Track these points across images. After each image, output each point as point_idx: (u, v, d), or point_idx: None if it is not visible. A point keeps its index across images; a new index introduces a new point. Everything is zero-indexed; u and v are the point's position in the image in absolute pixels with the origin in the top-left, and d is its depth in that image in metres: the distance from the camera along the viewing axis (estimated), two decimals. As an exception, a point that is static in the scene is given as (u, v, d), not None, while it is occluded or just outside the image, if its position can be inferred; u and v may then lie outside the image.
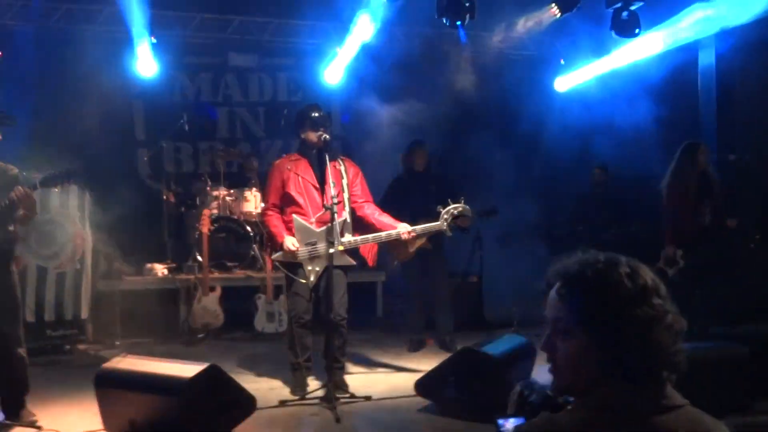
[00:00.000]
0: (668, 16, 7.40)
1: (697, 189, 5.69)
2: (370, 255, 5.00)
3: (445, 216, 4.87)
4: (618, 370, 1.31)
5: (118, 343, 6.45)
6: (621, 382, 1.31)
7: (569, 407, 1.40)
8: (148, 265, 7.42)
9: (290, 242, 4.65)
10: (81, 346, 6.42)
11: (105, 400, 3.76)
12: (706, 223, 5.65)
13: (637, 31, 6.85)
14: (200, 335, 6.67)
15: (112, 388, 3.73)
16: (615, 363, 1.31)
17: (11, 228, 4.15)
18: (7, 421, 4.06)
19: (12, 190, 3.93)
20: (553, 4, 7.22)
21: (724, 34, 7.09)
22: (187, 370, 3.61)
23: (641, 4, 6.90)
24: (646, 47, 7.56)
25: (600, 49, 8.15)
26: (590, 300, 1.33)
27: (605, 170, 7.72)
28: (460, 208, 4.93)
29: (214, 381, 3.69)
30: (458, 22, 6.48)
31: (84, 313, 6.44)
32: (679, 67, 7.60)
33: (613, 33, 7.14)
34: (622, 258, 1.38)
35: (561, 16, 7.20)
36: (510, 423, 1.55)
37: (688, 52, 7.62)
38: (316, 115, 4.80)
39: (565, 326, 1.37)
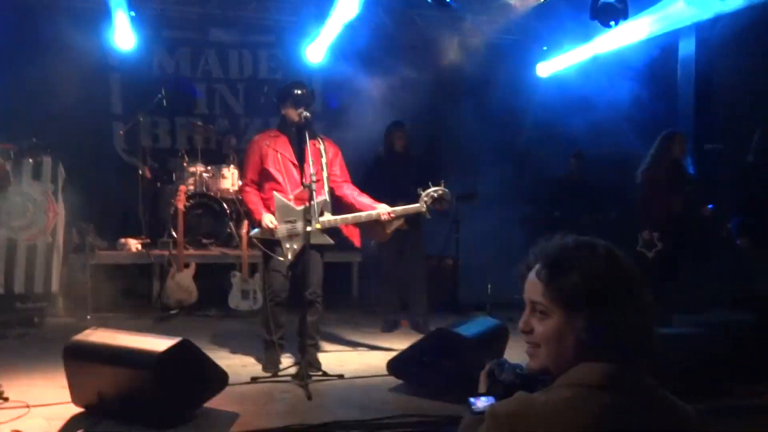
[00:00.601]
0: (650, 4, 7.43)
1: (670, 177, 5.80)
2: (354, 235, 5.02)
3: (425, 198, 4.88)
4: (594, 351, 1.33)
5: (89, 317, 6.37)
6: (598, 363, 1.33)
7: (544, 387, 1.40)
8: (122, 240, 7.34)
9: (268, 219, 4.62)
10: (51, 320, 6.35)
11: (74, 373, 3.71)
12: (679, 211, 5.76)
13: (612, 22, 6.89)
14: (173, 311, 6.62)
15: (81, 360, 3.68)
16: (592, 344, 1.33)
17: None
18: (-27, 393, 4.00)
19: None
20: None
21: (704, 24, 7.13)
22: (158, 344, 3.58)
23: (626, -9, 6.91)
24: (627, 35, 7.59)
25: (583, 35, 8.17)
26: (568, 281, 1.34)
27: (581, 157, 7.77)
28: (440, 191, 4.94)
29: (186, 355, 3.66)
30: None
31: (54, 287, 6.36)
32: (660, 56, 7.65)
33: (595, 21, 7.17)
34: (599, 241, 1.41)
35: (544, 1, 7.20)
36: (481, 402, 1.54)
37: (668, 41, 7.66)
38: (299, 92, 4.75)
39: (543, 307, 1.38)
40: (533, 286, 1.41)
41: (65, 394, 3.80)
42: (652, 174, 5.86)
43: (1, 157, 3.96)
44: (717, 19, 6.80)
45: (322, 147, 4.66)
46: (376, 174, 6.17)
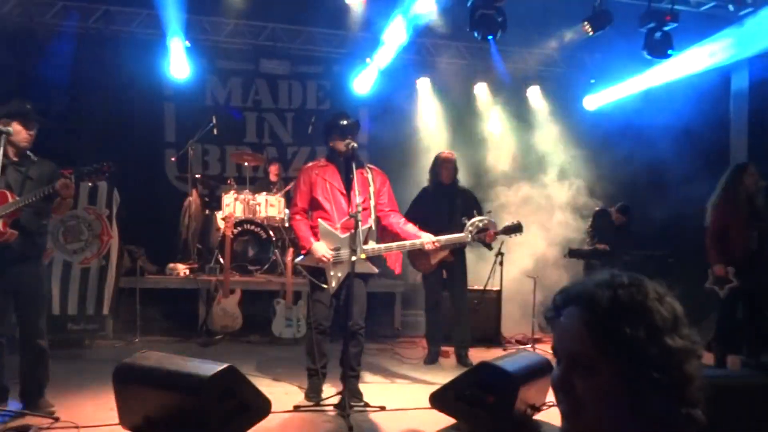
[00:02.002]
0: (701, 38, 7.36)
1: (745, 211, 5.51)
2: (397, 263, 5.05)
3: (470, 228, 4.90)
4: (650, 409, 1.14)
5: (137, 340, 6.52)
6: (650, 422, 1.14)
7: None
8: (171, 265, 7.50)
9: (323, 251, 4.65)
10: (101, 341, 6.50)
11: (123, 395, 3.77)
12: (755, 248, 5.47)
13: (669, 52, 6.82)
14: (218, 337, 6.71)
15: (130, 383, 3.74)
16: (648, 402, 1.14)
17: (45, 222, 4.25)
18: (26, 411, 4.12)
19: (51, 183, 4.02)
20: (586, 22, 7.21)
21: (757, 58, 7.02)
22: (205, 369, 3.62)
23: (675, 25, 6.87)
24: (678, 69, 7.51)
25: (632, 68, 8.11)
26: (622, 329, 1.13)
27: (626, 213, 7.58)
28: (486, 221, 4.97)
29: (231, 382, 3.69)
30: (490, 36, 6.50)
31: (106, 309, 6.52)
32: (712, 90, 7.54)
33: (645, 53, 7.13)
34: (646, 279, 1.21)
35: (593, 34, 7.19)
36: None
37: (720, 76, 7.55)
38: (344, 123, 4.82)
39: (589, 361, 1.16)
40: (572, 335, 1.19)
41: (114, 416, 3.86)
42: (725, 207, 5.55)
43: (67, 180, 4.11)
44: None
45: (369, 176, 4.70)
46: (423, 204, 6.19)
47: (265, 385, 4.88)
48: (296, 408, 4.50)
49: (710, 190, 5.85)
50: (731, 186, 5.60)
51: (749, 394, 4.01)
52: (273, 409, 4.01)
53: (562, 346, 1.21)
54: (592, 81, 9.23)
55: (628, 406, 1.14)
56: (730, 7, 7.47)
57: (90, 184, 5.64)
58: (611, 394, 1.15)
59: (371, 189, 4.57)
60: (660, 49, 6.98)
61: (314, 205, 4.79)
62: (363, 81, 8.58)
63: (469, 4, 6.85)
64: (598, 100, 9.14)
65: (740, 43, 7.04)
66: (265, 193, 7.91)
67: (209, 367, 3.62)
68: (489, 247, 6.21)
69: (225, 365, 3.67)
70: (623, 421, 1.15)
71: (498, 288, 7.23)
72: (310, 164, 5.01)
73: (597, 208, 7.74)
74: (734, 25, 7.22)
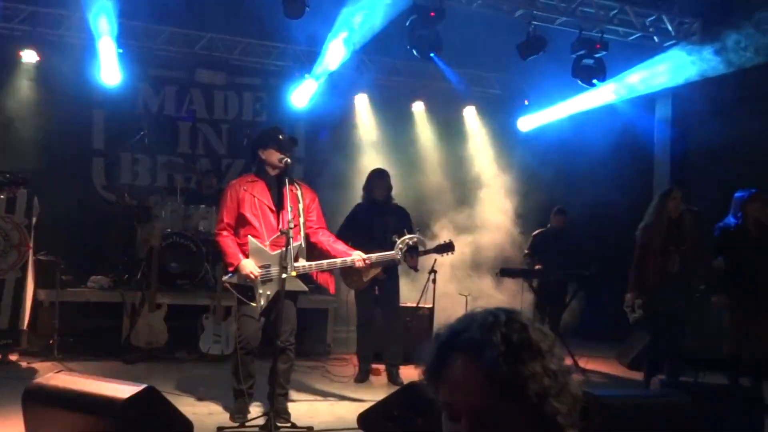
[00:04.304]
0: (630, 66, 7.66)
1: (664, 236, 5.60)
2: (328, 283, 5.01)
3: (400, 245, 4.92)
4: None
5: (55, 356, 6.21)
6: None
7: None
8: (94, 277, 7.21)
9: (251, 267, 4.55)
10: (14, 357, 6.17)
11: (32, 418, 3.58)
12: (674, 271, 5.57)
13: (594, 80, 7.08)
14: (142, 353, 6.47)
15: (40, 405, 3.55)
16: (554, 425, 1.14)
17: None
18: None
19: None
20: (519, 47, 7.40)
21: (681, 88, 7.35)
22: (122, 390, 3.47)
23: (604, 53, 7.14)
24: (607, 94, 7.80)
25: (565, 91, 8.37)
26: (520, 369, 1.11)
27: (564, 213, 7.79)
28: (415, 239, 4.99)
29: (150, 403, 3.55)
30: (432, 54, 6.61)
31: (23, 324, 6.19)
32: (637, 117, 7.86)
33: (577, 80, 7.38)
34: (517, 310, 1.20)
35: (526, 59, 7.38)
36: None
37: (645, 103, 7.88)
38: (282, 137, 4.74)
39: (494, 412, 1.11)
40: (472, 388, 1.12)
41: (22, 440, 3.66)
42: (645, 232, 5.66)
43: None
44: (693, 84, 7.01)
45: (299, 193, 4.64)
46: (356, 221, 6.17)
47: (188, 405, 4.75)
48: (219, 430, 4.36)
49: (635, 211, 6.05)
50: (655, 210, 5.74)
51: (666, 412, 4.15)
52: (196, 430, 3.89)
53: (461, 402, 1.13)
54: (526, 102, 9.46)
55: None
56: (656, 39, 7.82)
57: (2, 196, 5.36)
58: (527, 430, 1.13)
59: (300, 206, 4.52)
60: (588, 75, 7.24)
61: (241, 222, 4.69)
62: (301, 95, 8.52)
63: (407, 23, 6.93)
64: (531, 121, 9.37)
65: (664, 72, 7.36)
66: (196, 205, 7.72)
67: (126, 389, 3.48)
68: (415, 269, 6.26)
69: (143, 386, 3.54)
70: None
71: (431, 305, 7.27)
72: (237, 180, 4.92)
73: (535, 232, 7.88)
74: (659, 54, 7.55)
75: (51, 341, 6.34)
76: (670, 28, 7.75)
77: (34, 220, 6.31)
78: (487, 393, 1.11)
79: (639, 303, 5.61)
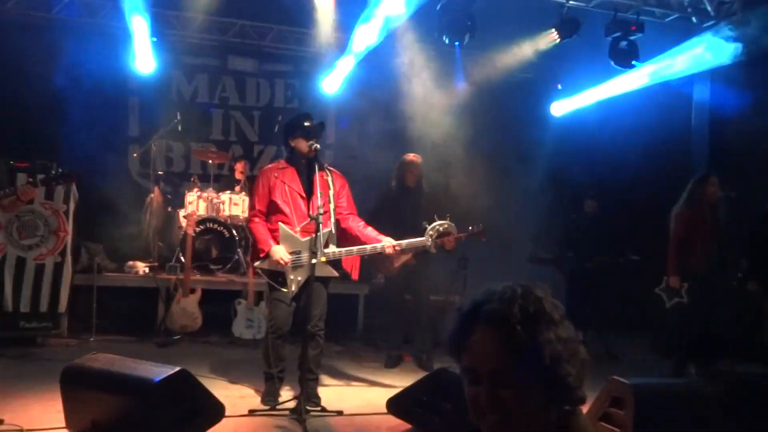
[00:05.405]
0: (666, 48, 7.46)
1: (708, 221, 5.52)
2: (353, 268, 4.99)
3: (431, 232, 4.88)
4: (564, 396, 1.29)
5: (92, 339, 6.38)
6: (562, 406, 1.30)
7: None
8: (130, 263, 7.35)
9: (282, 254, 4.59)
10: (54, 340, 6.34)
11: (70, 398, 3.68)
12: (715, 258, 5.49)
13: (633, 62, 6.91)
14: (176, 337, 6.59)
15: (77, 385, 3.65)
16: (562, 390, 1.29)
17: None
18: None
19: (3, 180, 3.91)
20: (554, 30, 7.26)
21: (719, 71, 7.14)
22: (155, 372, 3.54)
23: (639, 35, 6.97)
24: (642, 78, 7.61)
25: (598, 76, 8.20)
26: (536, 337, 1.25)
27: (597, 199, 7.65)
28: (446, 225, 4.95)
29: (182, 385, 3.61)
30: (456, 42, 6.53)
31: (62, 307, 6.36)
32: (674, 100, 7.66)
33: (612, 62, 7.22)
34: (531, 284, 1.35)
35: (561, 41, 7.24)
36: None
37: (683, 86, 7.68)
38: (308, 124, 4.76)
39: (510, 374, 1.27)
40: (493, 353, 1.27)
41: (60, 419, 3.76)
42: (689, 217, 5.53)
43: (30, 184, 4.00)
44: (731, 67, 6.80)
45: (330, 179, 4.67)
46: (387, 207, 6.16)
47: (221, 388, 4.83)
48: (251, 412, 4.43)
49: (671, 198, 5.92)
50: (694, 196, 5.62)
51: (700, 402, 4.08)
52: (227, 413, 3.95)
53: (483, 366, 1.28)
54: (559, 86, 9.30)
55: (548, 402, 1.28)
56: (694, 19, 7.60)
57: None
58: (533, 397, 1.27)
59: (331, 192, 4.53)
60: (625, 58, 7.07)
61: (273, 209, 4.72)
62: (332, 81, 8.51)
63: (438, 7, 6.86)
64: (565, 106, 9.21)
65: (703, 54, 7.16)
66: (229, 191, 7.81)
67: (159, 371, 3.55)
68: (450, 253, 6.21)
69: (176, 368, 3.60)
70: (546, 415, 1.28)
71: (461, 292, 7.23)
72: (268, 166, 4.95)
73: (568, 219, 7.76)
74: (697, 36, 7.34)
75: (88, 324, 6.50)
76: (709, 8, 7.51)
77: (72, 206, 6.46)
78: (506, 357, 1.26)
79: (686, 286, 5.49)
